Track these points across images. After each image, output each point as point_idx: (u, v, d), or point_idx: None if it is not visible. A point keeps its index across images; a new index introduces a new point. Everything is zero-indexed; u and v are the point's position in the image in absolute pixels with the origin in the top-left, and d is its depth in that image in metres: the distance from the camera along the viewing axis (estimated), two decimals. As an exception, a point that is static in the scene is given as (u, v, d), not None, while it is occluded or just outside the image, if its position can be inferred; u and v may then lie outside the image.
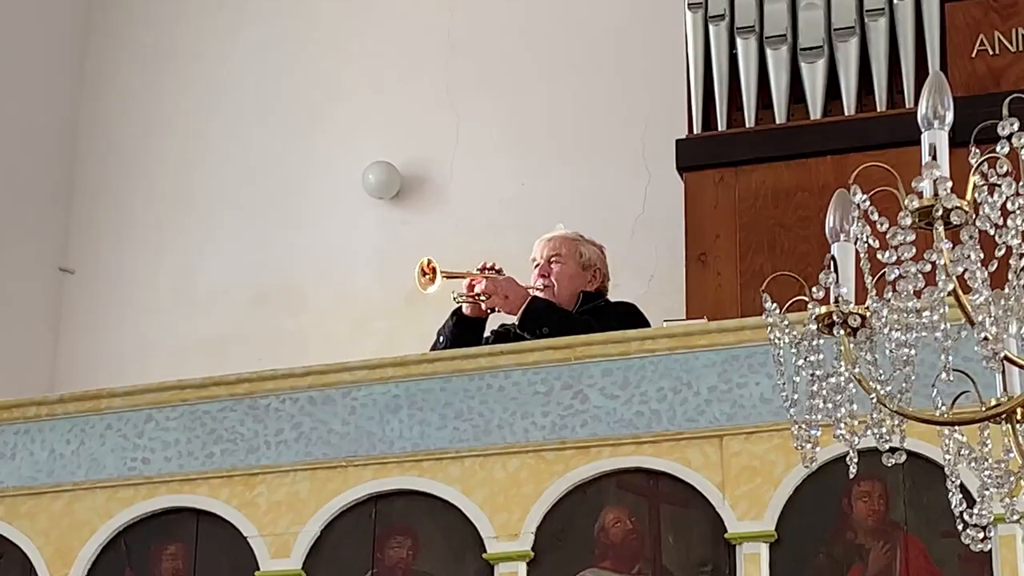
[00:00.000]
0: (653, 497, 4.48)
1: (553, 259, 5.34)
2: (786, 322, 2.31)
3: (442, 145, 7.38)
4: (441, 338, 5.30)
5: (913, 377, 2.16)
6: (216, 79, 7.81)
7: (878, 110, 6.27)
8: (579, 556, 4.47)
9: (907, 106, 6.16)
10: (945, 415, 2.32)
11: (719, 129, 6.41)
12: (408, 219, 7.37)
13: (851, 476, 2.38)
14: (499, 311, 5.28)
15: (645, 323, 5.19)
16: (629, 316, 5.22)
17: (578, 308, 5.27)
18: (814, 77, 6.33)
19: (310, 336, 7.22)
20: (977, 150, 2.22)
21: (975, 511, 2.58)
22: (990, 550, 4.15)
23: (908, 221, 2.13)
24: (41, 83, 7.79)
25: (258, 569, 4.70)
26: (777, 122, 6.37)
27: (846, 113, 6.31)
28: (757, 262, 6.24)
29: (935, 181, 2.17)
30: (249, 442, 4.82)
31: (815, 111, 6.33)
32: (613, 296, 5.52)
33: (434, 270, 5.31)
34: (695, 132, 6.45)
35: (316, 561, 4.68)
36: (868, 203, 2.20)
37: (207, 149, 7.72)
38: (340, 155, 7.49)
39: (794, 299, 2.36)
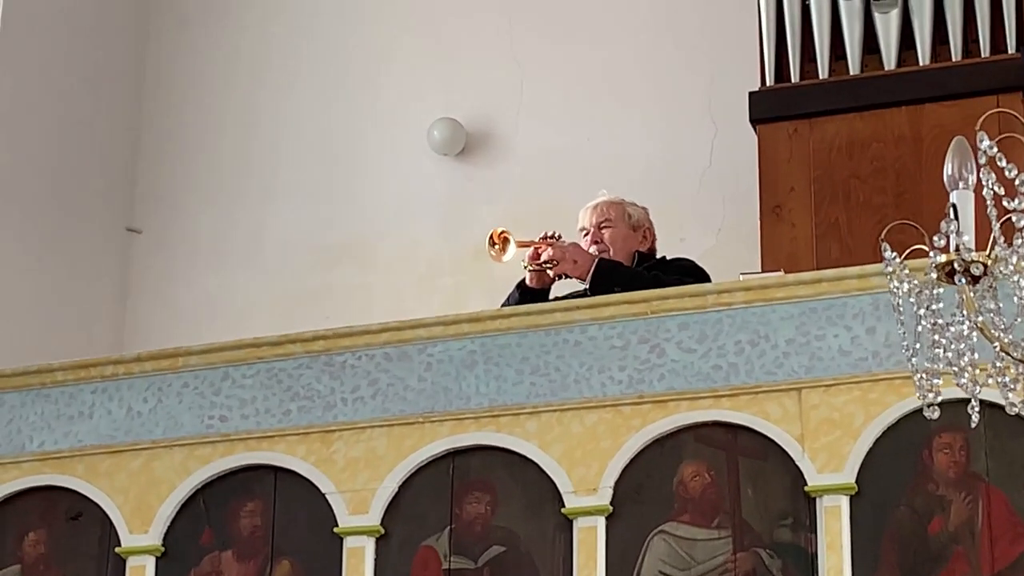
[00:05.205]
0: (731, 450, 4.47)
1: (603, 224, 5.36)
2: (906, 270, 2.28)
3: (507, 100, 7.36)
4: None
5: (1038, 325, 2.14)
6: (280, 37, 7.81)
7: (953, 59, 6.21)
8: (658, 510, 4.46)
9: (982, 55, 6.12)
10: (1065, 363, 2.29)
11: (792, 81, 6.37)
12: (473, 175, 7.36)
13: (972, 426, 2.36)
14: (566, 278, 5.28)
15: (706, 277, 5.19)
16: (691, 271, 5.23)
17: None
18: (888, 27, 6.27)
19: (376, 292, 7.23)
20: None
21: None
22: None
23: (1039, 170, 2.09)
24: (106, 45, 7.80)
25: (337, 525, 4.72)
26: (851, 73, 6.31)
27: (920, 63, 6.25)
28: (832, 214, 6.21)
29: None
30: (326, 399, 4.83)
31: (889, 61, 6.27)
32: (681, 249, 5.52)
33: (505, 240, 5.32)
34: (768, 84, 6.40)
35: (394, 517, 4.69)
36: (995, 149, 2.16)
37: (272, 107, 7.72)
38: (405, 112, 7.48)
39: (912, 248, 2.33)
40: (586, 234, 5.37)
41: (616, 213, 5.36)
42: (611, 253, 5.30)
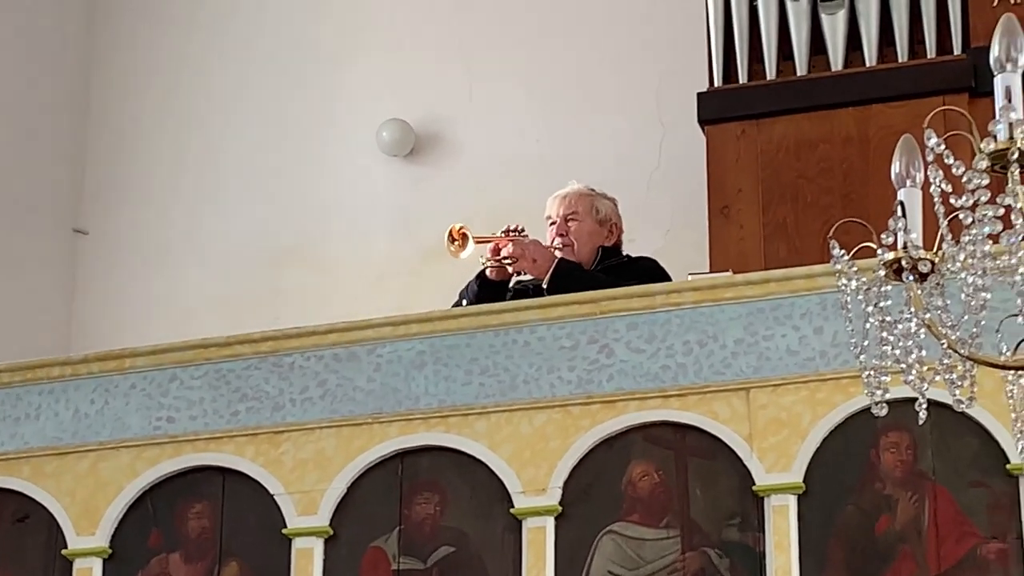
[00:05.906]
0: (680, 450, 4.48)
1: (570, 217, 5.35)
2: (854, 268, 2.29)
3: (456, 101, 7.36)
4: (464, 301, 5.30)
5: (983, 322, 2.15)
6: (229, 37, 7.78)
7: (899, 60, 6.25)
8: (607, 510, 4.47)
9: (928, 56, 6.17)
10: (1009, 360, 2.31)
11: (740, 82, 6.40)
12: (423, 176, 7.36)
13: (920, 423, 2.37)
14: (524, 273, 5.27)
15: (667, 277, 5.20)
16: (653, 271, 5.24)
17: (597, 263, 5.29)
18: (835, 28, 6.30)
19: (326, 294, 7.21)
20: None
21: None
22: (1018, 499, 4.16)
23: (984, 164, 2.10)
24: (53, 45, 7.76)
25: (285, 527, 4.71)
26: (798, 74, 6.34)
27: (867, 64, 6.29)
28: (780, 214, 6.24)
29: (1011, 124, 2.13)
30: (274, 400, 4.82)
31: (836, 62, 6.31)
32: (629, 250, 5.52)
33: (464, 236, 5.30)
34: (716, 85, 6.43)
35: (343, 518, 4.68)
36: (943, 147, 2.17)
37: (221, 108, 7.69)
38: (354, 113, 7.47)
39: (860, 245, 2.34)
40: (552, 223, 5.37)
41: (584, 207, 5.36)
42: (576, 248, 5.30)
